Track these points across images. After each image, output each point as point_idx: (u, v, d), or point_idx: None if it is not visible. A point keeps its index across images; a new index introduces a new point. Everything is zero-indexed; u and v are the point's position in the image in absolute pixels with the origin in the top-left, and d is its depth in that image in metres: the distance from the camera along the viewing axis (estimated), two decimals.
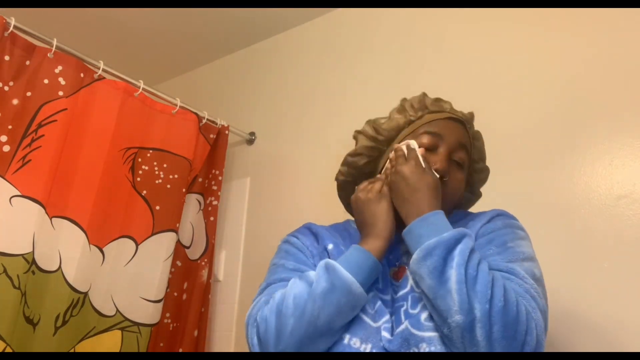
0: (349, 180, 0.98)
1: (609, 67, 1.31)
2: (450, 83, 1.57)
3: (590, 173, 1.27)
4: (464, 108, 1.52)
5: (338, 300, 0.75)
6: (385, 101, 1.70)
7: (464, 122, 0.94)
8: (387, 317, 0.79)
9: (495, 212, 0.89)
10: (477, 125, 1.51)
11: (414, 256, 0.75)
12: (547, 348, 1.13)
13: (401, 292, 0.81)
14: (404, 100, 0.98)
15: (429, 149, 0.88)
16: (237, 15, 2.03)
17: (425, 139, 0.89)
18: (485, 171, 1.02)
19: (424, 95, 0.96)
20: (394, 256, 0.88)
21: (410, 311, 0.77)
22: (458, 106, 0.99)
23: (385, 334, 0.77)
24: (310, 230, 0.95)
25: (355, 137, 0.99)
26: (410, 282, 0.81)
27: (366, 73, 1.79)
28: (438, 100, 0.96)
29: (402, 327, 0.76)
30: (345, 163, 0.98)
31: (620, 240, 1.18)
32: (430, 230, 0.76)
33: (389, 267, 0.86)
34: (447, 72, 1.59)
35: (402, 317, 0.78)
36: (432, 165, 0.86)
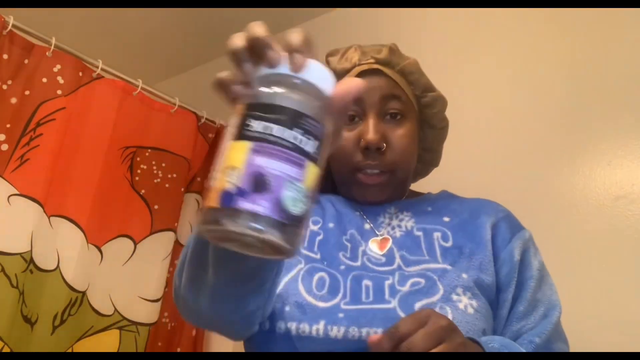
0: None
1: (608, 67, 1.32)
2: (450, 83, 1.57)
3: (589, 173, 1.27)
4: (463, 108, 1.52)
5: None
6: None
7: (379, 68, 0.80)
8: (341, 291, 0.67)
9: (524, 229, 0.79)
10: (477, 124, 1.52)
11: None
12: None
13: (385, 267, 0.72)
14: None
15: (356, 119, 0.77)
16: (236, 14, 2.03)
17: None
18: (438, 101, 0.85)
19: (328, 56, 0.85)
20: (375, 224, 0.78)
21: (399, 287, 0.68)
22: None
23: (347, 307, 0.65)
24: None
25: None
26: (398, 260, 0.72)
27: None
28: (344, 54, 0.84)
29: (386, 305, 0.65)
30: None
31: (619, 241, 1.19)
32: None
33: (367, 237, 0.76)
34: (447, 71, 1.59)
35: (387, 291, 0.67)
36: (362, 140, 0.75)
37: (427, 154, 0.89)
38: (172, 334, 1.65)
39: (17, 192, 1.31)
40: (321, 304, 0.66)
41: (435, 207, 0.81)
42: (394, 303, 0.66)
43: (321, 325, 0.63)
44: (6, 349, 1.22)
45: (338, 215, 0.79)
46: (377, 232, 0.77)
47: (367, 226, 0.78)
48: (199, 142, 1.79)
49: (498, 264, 0.74)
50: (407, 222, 0.78)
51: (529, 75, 1.43)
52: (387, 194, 0.79)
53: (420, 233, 0.76)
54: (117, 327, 1.49)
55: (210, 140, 1.83)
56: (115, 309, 1.50)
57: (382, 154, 0.76)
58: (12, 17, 1.37)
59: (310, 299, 0.66)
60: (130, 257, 1.54)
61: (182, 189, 1.70)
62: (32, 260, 1.31)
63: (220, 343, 1.77)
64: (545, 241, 1.28)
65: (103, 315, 1.47)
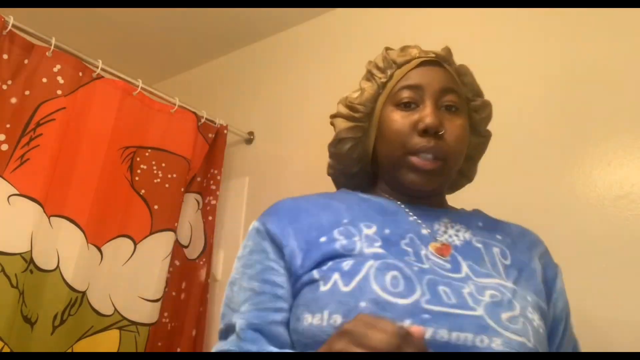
0: (340, 169, 0.87)
1: (607, 67, 1.31)
2: None
3: (589, 173, 1.27)
4: None
5: None
6: None
7: (440, 62, 0.83)
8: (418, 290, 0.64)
9: (558, 266, 0.85)
10: None
11: None
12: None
13: (454, 274, 0.69)
14: (369, 63, 0.86)
15: (412, 106, 0.78)
16: (236, 14, 2.03)
17: (405, 94, 0.78)
18: (487, 107, 0.87)
19: (387, 49, 0.86)
20: (431, 231, 0.76)
21: (479, 297, 0.65)
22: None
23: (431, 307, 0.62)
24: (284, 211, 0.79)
25: (332, 123, 0.86)
26: (465, 269, 0.70)
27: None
28: (404, 49, 0.85)
29: (472, 312, 0.63)
30: (330, 155, 0.86)
31: (619, 241, 1.19)
32: None
33: (425, 241, 0.74)
34: None
35: (469, 299, 0.64)
36: (420, 123, 0.75)
37: (465, 163, 0.87)
38: (172, 334, 1.65)
39: (17, 192, 1.31)
40: (401, 301, 0.62)
41: (486, 224, 0.81)
42: (480, 311, 0.63)
43: (407, 322, 0.60)
44: (6, 349, 1.22)
45: (391, 221, 0.76)
46: (437, 238, 0.75)
47: (424, 231, 0.75)
48: (199, 142, 1.79)
49: (554, 296, 0.78)
50: (464, 233, 0.77)
51: (529, 76, 1.43)
52: (437, 182, 0.78)
53: (480, 245, 0.75)
54: (117, 327, 1.49)
55: (210, 140, 1.84)
56: (115, 309, 1.50)
57: (440, 138, 0.75)
58: (12, 17, 1.37)
59: (386, 296, 0.62)
60: (130, 257, 1.54)
61: (182, 189, 1.70)
62: (32, 260, 1.31)
63: None
64: (545, 241, 1.28)
65: (103, 315, 1.47)
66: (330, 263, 0.68)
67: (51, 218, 1.38)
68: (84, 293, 1.42)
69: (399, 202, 0.80)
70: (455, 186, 0.93)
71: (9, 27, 1.36)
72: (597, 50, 1.34)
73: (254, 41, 2.20)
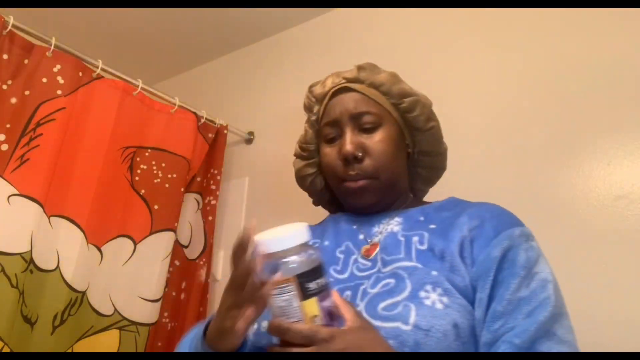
0: (316, 200, 1.00)
1: (607, 67, 1.32)
2: (450, 82, 1.57)
3: (589, 173, 1.27)
4: (464, 107, 1.52)
5: None
6: None
7: (350, 87, 0.87)
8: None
9: (514, 226, 0.78)
10: (476, 124, 1.52)
11: None
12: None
13: (367, 272, 0.78)
14: (306, 96, 0.95)
15: (336, 138, 0.86)
16: (236, 14, 2.03)
17: (328, 131, 0.86)
18: (416, 104, 0.89)
19: (310, 87, 0.93)
20: (367, 234, 0.85)
21: (369, 290, 0.74)
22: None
23: None
24: None
25: (294, 164, 0.98)
26: (379, 262, 0.78)
27: None
28: (324, 81, 0.91)
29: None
30: (298, 183, 0.98)
31: (619, 241, 1.19)
32: None
33: (360, 246, 0.83)
34: (447, 71, 1.60)
35: (359, 296, 0.74)
36: (340, 154, 0.83)
37: (426, 158, 0.93)
38: (172, 334, 1.65)
39: (17, 192, 1.31)
40: None
41: (428, 217, 0.85)
42: (361, 306, 0.72)
43: None
44: (6, 349, 1.22)
45: (336, 232, 0.87)
46: (368, 241, 0.84)
47: (361, 237, 0.85)
48: (199, 142, 1.79)
49: (475, 265, 0.74)
50: (394, 227, 0.84)
51: (529, 76, 1.43)
52: (376, 196, 0.85)
53: (402, 238, 0.81)
54: (117, 327, 1.49)
55: (210, 140, 1.83)
56: (115, 309, 1.50)
57: (361, 161, 0.82)
58: (12, 17, 1.37)
59: None
60: (130, 257, 1.54)
61: (182, 189, 1.70)
62: (32, 260, 1.31)
63: None
64: (545, 241, 1.28)
65: (103, 315, 1.47)
66: None
67: (51, 218, 1.38)
68: (84, 293, 1.42)
69: (353, 215, 0.90)
70: (432, 180, 0.99)
71: (9, 27, 1.36)
72: (597, 49, 1.34)
73: (254, 41, 2.20)
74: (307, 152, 0.94)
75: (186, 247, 1.75)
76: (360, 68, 0.88)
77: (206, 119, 1.83)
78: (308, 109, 0.93)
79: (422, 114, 0.90)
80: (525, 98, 1.42)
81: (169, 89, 1.98)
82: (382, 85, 0.87)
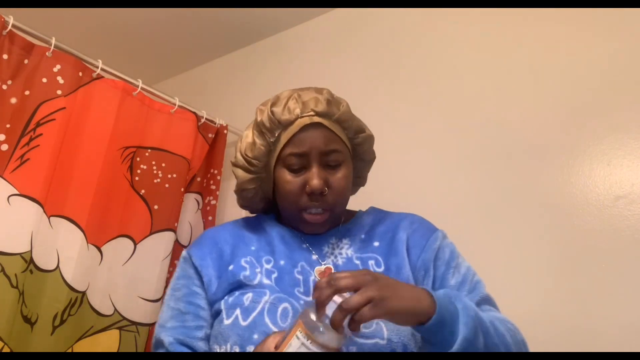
0: (248, 207, 1.00)
1: (607, 67, 1.32)
2: (450, 82, 1.57)
3: (589, 173, 1.27)
4: (464, 107, 1.52)
5: None
6: (385, 100, 1.70)
7: (321, 121, 0.88)
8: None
9: (436, 230, 0.91)
10: (475, 125, 1.52)
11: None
12: (545, 348, 1.14)
13: None
14: (257, 113, 0.93)
15: (301, 169, 0.88)
16: (236, 14, 2.03)
17: (293, 161, 0.88)
18: (367, 140, 0.95)
19: (271, 106, 0.91)
20: (320, 255, 0.89)
21: None
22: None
23: None
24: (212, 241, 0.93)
25: (233, 171, 0.97)
26: None
27: (365, 73, 1.79)
28: (285, 108, 0.90)
29: None
30: (237, 197, 0.98)
31: (619, 241, 1.19)
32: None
33: (313, 266, 0.87)
34: (447, 71, 1.60)
35: None
36: (307, 186, 0.86)
37: (356, 179, 1.00)
38: None
39: (17, 192, 1.31)
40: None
41: (368, 234, 0.92)
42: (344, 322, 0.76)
43: None
44: (6, 349, 1.22)
45: (287, 251, 0.90)
46: (321, 262, 0.88)
47: (314, 257, 0.89)
48: (199, 142, 1.79)
49: (417, 269, 0.86)
50: (347, 250, 0.90)
51: (529, 75, 1.43)
52: (327, 227, 0.92)
53: (358, 262, 0.87)
54: (117, 327, 1.49)
55: (210, 140, 1.83)
56: (115, 309, 1.50)
57: (324, 196, 0.87)
58: (12, 17, 1.37)
59: (274, 328, 0.77)
60: (130, 257, 1.54)
61: (182, 189, 1.70)
62: (32, 260, 1.31)
63: None
64: (545, 241, 1.28)
65: (103, 315, 1.47)
66: (236, 293, 0.83)
67: (51, 218, 1.38)
68: (84, 293, 1.42)
69: (297, 231, 0.93)
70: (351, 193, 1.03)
71: (9, 27, 1.36)
72: (597, 49, 1.34)
73: (254, 41, 2.20)
74: (254, 167, 0.93)
75: (186, 247, 1.75)
76: (328, 102, 0.89)
77: (206, 119, 1.83)
78: (268, 129, 0.91)
79: (369, 148, 0.96)
80: (525, 98, 1.42)
81: (169, 89, 1.98)
82: (345, 122, 0.91)
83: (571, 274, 1.22)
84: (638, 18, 1.30)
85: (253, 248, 0.90)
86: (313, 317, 0.64)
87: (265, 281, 0.84)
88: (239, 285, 0.84)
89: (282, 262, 0.88)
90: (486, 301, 0.84)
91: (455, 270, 0.87)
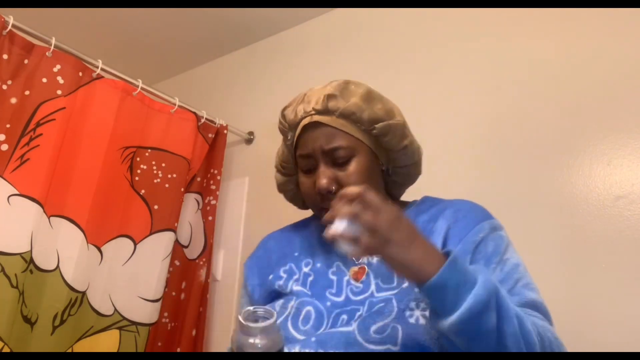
0: (299, 206, 1.03)
1: (607, 67, 1.32)
2: (451, 82, 1.57)
3: (589, 173, 1.27)
4: (464, 108, 1.52)
5: None
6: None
7: (320, 120, 0.86)
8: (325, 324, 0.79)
9: (483, 221, 0.83)
10: (474, 125, 1.52)
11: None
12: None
13: (361, 296, 0.80)
14: (279, 120, 0.95)
15: (312, 169, 0.87)
16: (236, 14, 2.03)
17: (303, 163, 0.88)
18: (389, 128, 0.89)
19: (283, 110, 0.92)
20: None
21: (364, 315, 0.77)
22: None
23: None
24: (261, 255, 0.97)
25: (275, 176, 1.02)
26: (372, 286, 0.80)
27: (365, 73, 1.79)
28: (293, 110, 0.90)
29: (348, 328, 0.76)
30: (280, 192, 1.02)
31: (619, 241, 1.19)
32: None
33: (349, 267, 0.85)
34: (447, 72, 1.60)
35: (355, 317, 0.77)
36: (315, 188, 0.85)
37: (401, 170, 0.95)
38: (172, 334, 1.65)
39: (17, 192, 1.31)
40: (298, 336, 0.79)
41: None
42: (354, 325, 0.76)
43: (296, 348, 0.76)
44: (6, 349, 1.22)
45: (325, 252, 0.89)
46: (356, 262, 0.86)
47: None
48: (199, 142, 1.79)
49: (459, 246, 0.80)
50: None
51: (529, 75, 1.43)
52: None
53: None
54: (117, 327, 1.49)
55: (210, 140, 1.84)
56: (115, 309, 1.50)
57: (335, 194, 0.81)
58: (12, 17, 1.37)
59: (294, 332, 0.79)
60: (130, 257, 1.54)
61: (182, 189, 1.70)
62: (32, 260, 1.31)
63: (220, 343, 1.77)
64: (546, 241, 1.28)
65: (103, 315, 1.47)
66: (275, 301, 0.86)
67: (51, 218, 1.38)
68: (84, 293, 1.42)
69: None
70: (405, 186, 1.01)
71: (9, 27, 1.36)
72: (597, 49, 1.34)
73: (253, 41, 2.20)
74: (286, 169, 0.96)
75: (186, 247, 1.75)
76: (329, 97, 0.86)
77: (206, 119, 1.83)
78: (282, 132, 0.93)
79: (394, 137, 0.90)
80: (525, 98, 1.42)
81: (169, 89, 1.98)
82: (352, 115, 0.86)
83: (571, 274, 1.22)
84: (639, 18, 1.30)
85: (296, 254, 0.92)
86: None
87: (296, 288, 0.86)
88: (277, 294, 0.88)
89: (318, 265, 0.88)
90: (532, 306, 0.75)
91: (498, 266, 0.78)
